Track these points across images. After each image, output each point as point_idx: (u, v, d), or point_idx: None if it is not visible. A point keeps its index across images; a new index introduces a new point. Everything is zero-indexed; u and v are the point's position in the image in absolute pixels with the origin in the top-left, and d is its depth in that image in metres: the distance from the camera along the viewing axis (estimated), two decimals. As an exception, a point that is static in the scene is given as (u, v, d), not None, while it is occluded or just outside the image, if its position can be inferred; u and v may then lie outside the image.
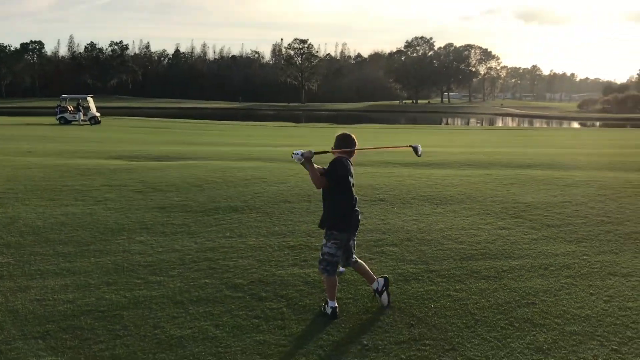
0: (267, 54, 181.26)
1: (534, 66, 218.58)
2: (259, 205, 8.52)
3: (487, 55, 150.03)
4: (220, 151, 16.76)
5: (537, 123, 77.01)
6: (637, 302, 4.93)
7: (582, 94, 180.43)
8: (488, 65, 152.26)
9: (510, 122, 78.78)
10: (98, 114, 42.50)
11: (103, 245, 6.79)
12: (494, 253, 6.29)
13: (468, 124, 76.51)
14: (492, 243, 6.64)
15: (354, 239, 5.03)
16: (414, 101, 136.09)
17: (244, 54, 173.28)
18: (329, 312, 4.84)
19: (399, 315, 4.80)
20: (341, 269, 5.79)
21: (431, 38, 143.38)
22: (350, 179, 4.87)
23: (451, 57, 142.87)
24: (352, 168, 4.92)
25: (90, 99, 43.55)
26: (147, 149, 18.08)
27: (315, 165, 4.83)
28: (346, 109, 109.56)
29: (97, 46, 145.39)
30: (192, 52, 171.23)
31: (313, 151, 4.82)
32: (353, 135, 4.99)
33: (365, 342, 4.33)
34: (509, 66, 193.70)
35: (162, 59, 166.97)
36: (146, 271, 5.93)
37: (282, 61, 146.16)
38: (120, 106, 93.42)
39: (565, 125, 72.32)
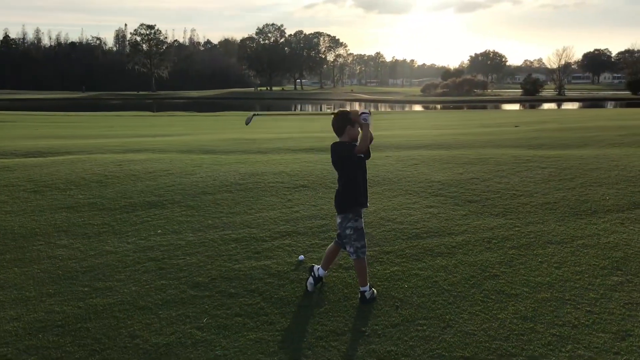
0: (110, 40, 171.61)
1: (378, 53, 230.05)
2: (179, 199, 8.07)
3: (335, 42, 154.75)
4: (96, 144, 15.56)
5: (382, 107, 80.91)
6: (583, 266, 5.41)
7: (421, 79, 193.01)
8: (337, 53, 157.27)
9: (357, 107, 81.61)
10: None
11: (21, 253, 6.05)
12: (435, 231, 6.54)
13: (321, 109, 78.37)
14: (429, 221, 6.90)
15: (343, 228, 4.92)
16: (269, 88, 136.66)
17: (85, 40, 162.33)
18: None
19: (380, 298, 4.82)
20: (301, 257, 5.72)
21: (282, 25, 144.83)
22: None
23: (302, 45, 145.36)
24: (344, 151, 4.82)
25: None
26: (9, 144, 16.27)
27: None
28: (200, 97, 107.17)
29: None
30: (24, 39, 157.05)
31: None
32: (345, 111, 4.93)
33: (363, 329, 4.30)
34: (355, 53, 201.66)
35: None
36: (88, 277, 5.38)
37: (129, 48, 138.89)
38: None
39: (407, 108, 76.65)
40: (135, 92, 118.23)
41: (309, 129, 23.89)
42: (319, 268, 5.05)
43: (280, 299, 4.86)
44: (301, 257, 5.73)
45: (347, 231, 4.82)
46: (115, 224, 7.03)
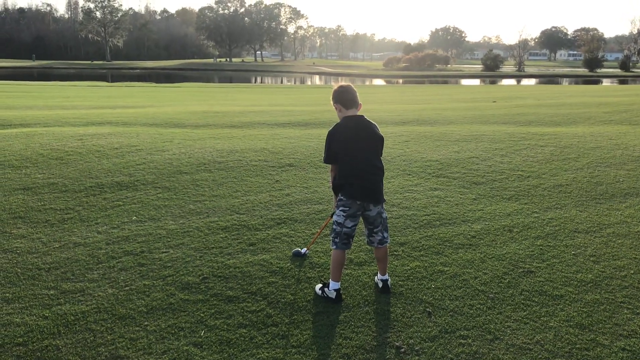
0: (61, 7, 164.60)
1: (339, 26, 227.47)
2: (152, 180, 7.17)
3: (296, 14, 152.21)
4: (53, 115, 14.29)
5: (343, 80, 79.21)
6: (623, 260, 4.83)
7: (381, 53, 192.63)
8: (298, 25, 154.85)
9: (317, 81, 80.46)
10: None
11: (-31, 246, 5.09)
12: (448, 218, 5.87)
13: (282, 81, 76.59)
14: (438, 206, 6.23)
15: (380, 215, 4.19)
16: (228, 59, 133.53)
17: (34, 6, 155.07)
18: (333, 296, 4.10)
19: (408, 303, 4.12)
20: (304, 250, 4.96)
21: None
22: (346, 144, 4.11)
23: (262, 15, 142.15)
24: (359, 125, 4.22)
25: None
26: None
27: None
28: (157, 67, 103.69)
29: None
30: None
31: None
32: (346, 87, 4.24)
33: (397, 344, 3.58)
34: (316, 26, 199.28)
35: None
36: (53, 277, 4.50)
37: (81, 15, 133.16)
38: None
39: (367, 82, 75.65)
40: (89, 62, 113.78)
41: (277, 102, 22.94)
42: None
43: (289, 304, 4.10)
44: (304, 250, 4.97)
45: (384, 215, 4.27)
46: (81, 208, 6.11)
